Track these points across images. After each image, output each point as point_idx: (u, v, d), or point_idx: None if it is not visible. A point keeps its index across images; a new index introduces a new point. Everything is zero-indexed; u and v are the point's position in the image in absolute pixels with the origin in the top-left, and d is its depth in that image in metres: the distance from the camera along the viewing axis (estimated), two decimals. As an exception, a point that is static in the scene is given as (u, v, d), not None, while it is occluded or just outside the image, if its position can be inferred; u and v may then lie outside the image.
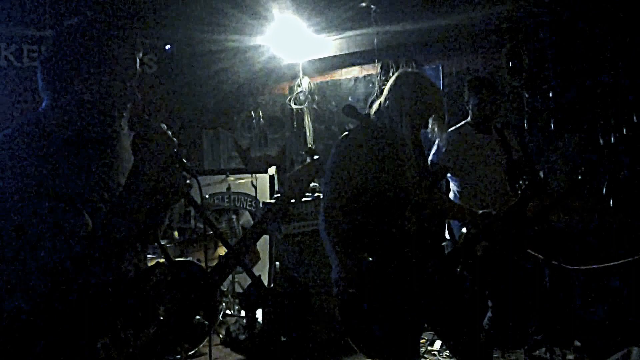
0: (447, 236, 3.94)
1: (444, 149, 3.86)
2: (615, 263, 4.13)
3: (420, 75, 2.95)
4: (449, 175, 4.05)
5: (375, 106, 2.95)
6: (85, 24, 1.67)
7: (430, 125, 2.90)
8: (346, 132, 2.91)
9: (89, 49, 1.64)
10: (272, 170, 5.77)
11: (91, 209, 1.63)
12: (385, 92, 2.91)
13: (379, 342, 2.72)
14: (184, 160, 1.73)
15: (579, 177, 3.54)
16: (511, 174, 3.95)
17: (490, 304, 3.96)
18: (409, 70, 2.96)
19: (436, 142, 3.84)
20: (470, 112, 4.04)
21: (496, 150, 4.00)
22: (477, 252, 3.51)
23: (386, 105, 2.87)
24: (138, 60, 1.74)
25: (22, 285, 1.54)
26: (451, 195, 4.08)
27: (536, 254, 4.29)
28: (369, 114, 2.93)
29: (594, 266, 4.25)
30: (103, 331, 1.63)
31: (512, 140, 4.10)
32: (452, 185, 4.10)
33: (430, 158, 3.92)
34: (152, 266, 4.46)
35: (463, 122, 4.05)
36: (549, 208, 3.58)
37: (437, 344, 4.78)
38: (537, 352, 4.23)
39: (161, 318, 1.80)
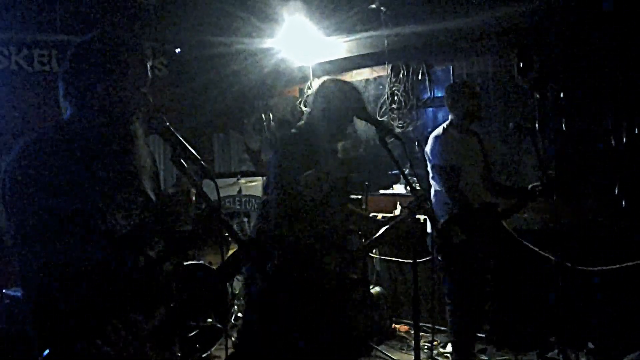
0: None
1: (439, 151, 4.04)
2: (629, 264, 4.10)
3: (340, 80, 3.23)
4: (432, 174, 4.19)
5: (305, 115, 3.15)
6: (99, 38, 1.78)
7: (354, 121, 3.12)
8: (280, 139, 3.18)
9: (105, 61, 1.74)
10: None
11: (120, 213, 1.74)
12: (311, 100, 3.13)
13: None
14: (203, 163, 1.81)
15: (549, 176, 3.95)
16: (488, 173, 4.22)
17: (491, 300, 4.05)
18: (329, 77, 3.23)
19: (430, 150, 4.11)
20: (453, 115, 4.15)
21: (475, 150, 4.18)
22: (452, 239, 3.83)
23: (315, 110, 3.04)
24: (149, 67, 1.82)
25: (47, 281, 1.60)
26: (432, 193, 4.20)
27: (548, 255, 4.27)
28: (300, 125, 3.12)
29: (608, 267, 4.23)
30: (115, 315, 1.67)
31: (485, 141, 4.32)
32: (433, 183, 4.20)
33: (433, 163, 4.12)
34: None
35: (445, 125, 4.17)
36: (518, 205, 3.96)
37: (449, 346, 4.77)
38: (550, 354, 4.22)
39: (171, 312, 1.84)
